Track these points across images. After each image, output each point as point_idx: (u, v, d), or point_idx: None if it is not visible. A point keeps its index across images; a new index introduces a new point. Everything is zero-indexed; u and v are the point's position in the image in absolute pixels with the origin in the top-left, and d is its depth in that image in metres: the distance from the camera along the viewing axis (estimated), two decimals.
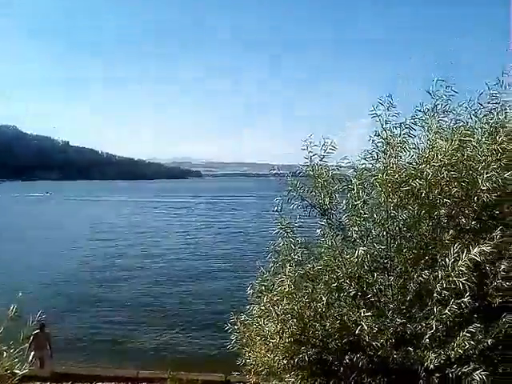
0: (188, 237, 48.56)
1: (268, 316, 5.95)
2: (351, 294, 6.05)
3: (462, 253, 4.85)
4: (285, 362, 6.03)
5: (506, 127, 5.58)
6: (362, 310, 5.71)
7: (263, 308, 5.98)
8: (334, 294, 6.20)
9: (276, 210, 6.44)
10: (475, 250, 4.76)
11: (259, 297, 6.14)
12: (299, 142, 6.32)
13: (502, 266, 5.10)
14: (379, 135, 6.13)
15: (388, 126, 6.05)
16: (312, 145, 6.26)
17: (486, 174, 5.27)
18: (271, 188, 6.66)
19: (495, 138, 5.50)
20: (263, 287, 6.15)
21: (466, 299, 4.92)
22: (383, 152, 6.07)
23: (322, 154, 6.22)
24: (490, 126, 5.81)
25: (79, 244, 42.64)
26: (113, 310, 22.16)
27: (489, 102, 5.96)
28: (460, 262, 4.81)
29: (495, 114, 5.88)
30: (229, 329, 6.89)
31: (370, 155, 6.21)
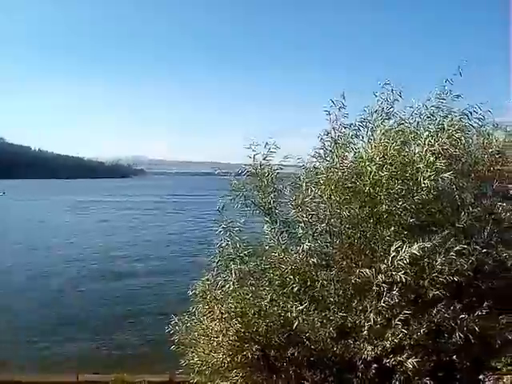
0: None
1: (211, 315, 5.87)
2: (295, 290, 6.14)
3: (401, 248, 5.09)
4: (228, 359, 5.99)
5: (449, 130, 5.89)
6: (304, 305, 5.85)
7: (207, 307, 5.90)
8: (278, 290, 6.26)
9: (219, 210, 6.37)
10: (415, 246, 5.02)
11: (202, 296, 6.04)
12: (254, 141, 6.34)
13: (439, 260, 5.41)
14: (328, 134, 6.30)
15: (337, 126, 6.24)
16: (255, 145, 6.29)
17: (427, 172, 5.55)
18: (216, 187, 6.56)
19: (437, 139, 5.81)
20: (207, 286, 6.06)
21: (395, 292, 5.16)
22: (330, 151, 6.22)
23: (266, 153, 6.25)
24: (433, 129, 6.11)
25: None
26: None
27: (433, 107, 6.26)
28: (399, 257, 5.05)
29: (438, 118, 6.18)
30: (172, 329, 6.72)
31: (317, 154, 6.34)
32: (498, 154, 6.39)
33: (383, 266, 5.26)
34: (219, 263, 6.11)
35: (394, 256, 5.13)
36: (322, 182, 5.90)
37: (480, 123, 6.11)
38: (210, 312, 5.92)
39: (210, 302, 5.89)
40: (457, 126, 5.45)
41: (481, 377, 6.32)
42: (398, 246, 5.14)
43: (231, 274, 5.81)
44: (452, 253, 5.37)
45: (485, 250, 6.11)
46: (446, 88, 5.95)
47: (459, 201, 6.60)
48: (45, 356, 16.21)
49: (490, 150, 6.45)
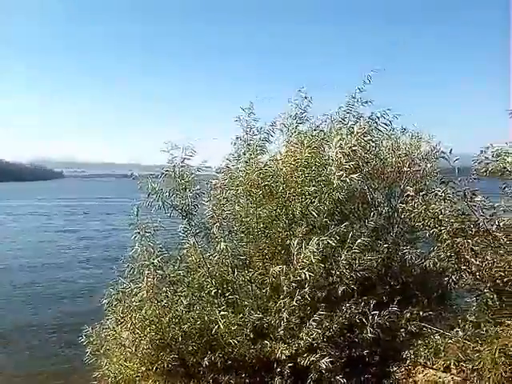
0: None
1: (124, 324, 5.65)
2: (212, 293, 6.09)
3: (306, 247, 5.22)
4: (143, 369, 5.80)
5: (357, 133, 6.13)
6: (221, 309, 5.82)
7: (119, 317, 5.66)
8: (195, 294, 6.18)
9: (136, 214, 6.18)
10: (313, 241, 5.16)
11: (115, 305, 5.80)
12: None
13: (343, 256, 5.59)
14: (240, 139, 6.40)
15: (250, 130, 6.35)
16: (174, 147, 6.20)
17: (338, 174, 5.74)
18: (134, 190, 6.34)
19: (347, 142, 6.03)
20: (119, 295, 5.83)
21: (306, 289, 5.27)
22: (244, 154, 6.29)
23: (184, 156, 6.19)
24: (344, 133, 6.34)
25: None
26: None
27: (344, 112, 6.51)
28: (303, 255, 5.17)
29: (348, 122, 6.43)
30: (85, 341, 6.38)
31: (233, 157, 6.40)
32: (405, 156, 6.76)
33: (293, 265, 5.36)
34: (131, 270, 5.90)
35: (298, 254, 5.25)
36: (237, 183, 5.94)
37: (387, 128, 6.42)
38: (123, 321, 5.69)
39: (123, 310, 5.66)
40: (364, 130, 5.69)
41: (392, 369, 6.59)
42: (300, 245, 5.27)
43: (144, 280, 5.62)
44: (355, 248, 5.57)
45: (391, 249, 6.44)
46: (357, 95, 6.22)
47: (371, 201, 6.93)
48: None
49: (398, 153, 6.82)
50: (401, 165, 6.69)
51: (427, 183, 6.61)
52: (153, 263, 5.77)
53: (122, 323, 5.71)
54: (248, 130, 6.42)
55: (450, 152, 4.90)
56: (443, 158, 4.85)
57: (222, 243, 5.76)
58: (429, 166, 6.55)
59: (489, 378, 4.69)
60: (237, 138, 6.49)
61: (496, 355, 4.63)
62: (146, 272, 5.67)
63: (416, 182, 6.62)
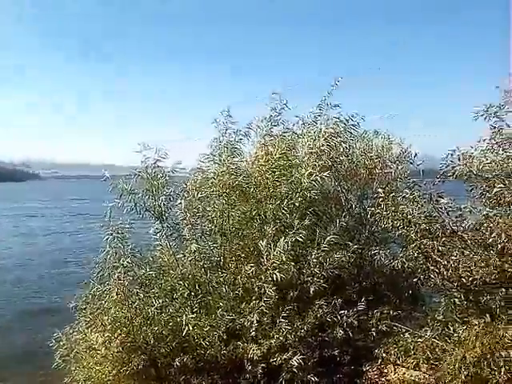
0: None
1: (94, 327, 5.57)
2: (185, 295, 6.06)
3: (275, 247, 5.25)
4: (114, 372, 5.72)
5: (325, 133, 6.20)
6: (194, 310, 5.81)
7: (89, 319, 5.58)
8: (168, 296, 6.14)
9: (107, 216, 6.10)
10: (282, 240, 5.20)
11: (84, 308, 5.71)
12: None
13: (313, 255, 5.65)
14: (217, 139, 6.40)
15: (227, 132, 6.37)
16: (147, 148, 6.17)
17: (308, 173, 5.80)
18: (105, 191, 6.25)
19: (315, 143, 6.10)
20: (89, 297, 5.74)
21: (272, 289, 5.29)
22: (219, 155, 6.29)
23: (157, 157, 6.16)
24: (314, 135, 6.41)
25: None
26: None
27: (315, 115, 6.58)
28: (273, 255, 5.20)
29: (318, 124, 6.50)
30: (54, 345, 6.26)
31: (208, 159, 6.39)
32: (377, 159, 6.86)
33: (264, 265, 5.38)
34: (101, 272, 5.82)
35: (268, 254, 5.29)
36: (210, 184, 5.94)
37: (356, 129, 6.52)
38: (92, 324, 5.61)
39: (93, 313, 5.58)
40: (332, 131, 5.78)
41: (365, 368, 6.67)
42: (269, 245, 5.30)
43: (114, 282, 5.55)
44: (325, 246, 5.62)
45: (363, 249, 6.53)
46: (326, 98, 6.31)
47: (344, 202, 7.01)
48: None
49: (370, 155, 6.91)
50: (373, 167, 6.79)
51: (398, 185, 6.71)
52: (122, 265, 5.70)
53: (91, 326, 5.62)
54: (224, 131, 6.44)
55: (415, 156, 5.02)
56: (408, 161, 4.95)
57: (194, 245, 5.74)
58: (400, 168, 6.64)
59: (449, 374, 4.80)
60: (214, 139, 6.48)
61: (457, 365, 4.74)
62: (116, 274, 5.60)
63: (387, 183, 6.71)
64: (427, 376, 5.81)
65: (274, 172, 6.00)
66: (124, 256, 5.79)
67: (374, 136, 7.18)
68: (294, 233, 5.47)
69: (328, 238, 5.71)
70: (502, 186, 4.69)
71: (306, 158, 5.82)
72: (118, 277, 5.53)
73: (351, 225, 6.73)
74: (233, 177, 5.90)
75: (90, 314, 5.62)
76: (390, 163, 6.73)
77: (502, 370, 4.57)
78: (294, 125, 6.60)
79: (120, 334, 5.54)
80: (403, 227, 5.30)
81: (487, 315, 5.05)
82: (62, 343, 6.21)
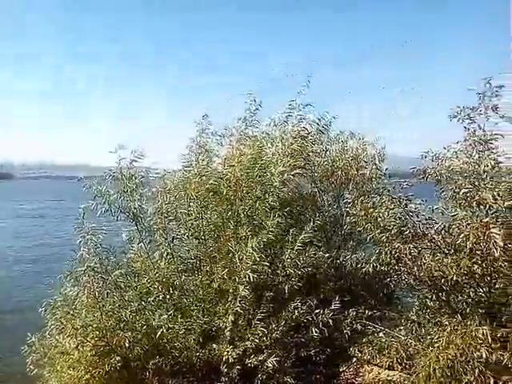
0: None
1: (65, 331, 5.49)
2: (159, 298, 6.02)
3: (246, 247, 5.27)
4: (87, 376, 5.66)
5: (295, 133, 6.23)
6: (169, 313, 5.79)
7: (60, 323, 5.50)
8: (144, 299, 6.10)
9: (81, 217, 6.02)
10: (254, 240, 5.21)
11: (54, 312, 5.63)
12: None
13: (287, 254, 5.67)
14: (194, 140, 6.39)
15: (203, 132, 6.36)
16: (122, 149, 6.11)
17: (279, 172, 5.81)
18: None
19: (286, 142, 6.13)
20: (61, 301, 5.66)
21: (245, 291, 5.30)
22: (196, 156, 6.28)
23: (132, 158, 6.10)
24: (286, 135, 6.44)
25: None
26: None
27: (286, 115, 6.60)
28: (245, 256, 5.21)
29: (289, 124, 6.53)
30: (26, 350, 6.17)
31: (184, 160, 6.37)
32: (352, 160, 6.91)
33: (237, 267, 5.39)
34: (70, 276, 5.74)
35: (240, 254, 5.30)
36: (182, 186, 5.92)
37: (327, 128, 6.55)
38: (64, 327, 5.53)
39: (63, 317, 5.51)
40: (301, 130, 5.81)
41: (341, 368, 6.72)
42: (241, 245, 5.32)
43: (84, 286, 5.49)
44: (298, 245, 5.64)
45: (340, 249, 6.58)
46: (297, 99, 6.33)
47: (321, 203, 7.06)
48: None
49: (346, 156, 6.97)
50: (348, 168, 6.84)
51: (374, 186, 6.76)
52: (94, 268, 5.64)
53: (63, 330, 5.54)
54: (200, 132, 6.43)
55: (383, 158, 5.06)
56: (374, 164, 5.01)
57: (167, 249, 5.72)
58: (374, 168, 6.68)
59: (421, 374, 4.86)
60: (190, 139, 6.48)
61: (431, 367, 4.79)
62: (85, 277, 5.55)
63: (363, 184, 6.77)
64: (401, 375, 5.88)
65: (247, 173, 5.98)
66: (96, 258, 5.72)
67: (349, 137, 7.23)
68: (267, 233, 5.47)
69: (301, 237, 5.72)
70: (470, 186, 4.74)
71: (276, 158, 5.84)
72: (87, 280, 5.47)
73: (327, 225, 6.77)
74: (205, 178, 5.86)
75: (61, 317, 5.52)
76: (364, 164, 6.78)
77: (476, 370, 4.65)
78: (267, 125, 6.59)
79: (93, 338, 5.47)
80: (375, 230, 5.33)
81: (458, 315, 5.13)
82: (34, 348, 6.12)
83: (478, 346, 4.60)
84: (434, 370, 4.82)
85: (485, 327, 4.61)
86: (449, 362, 4.74)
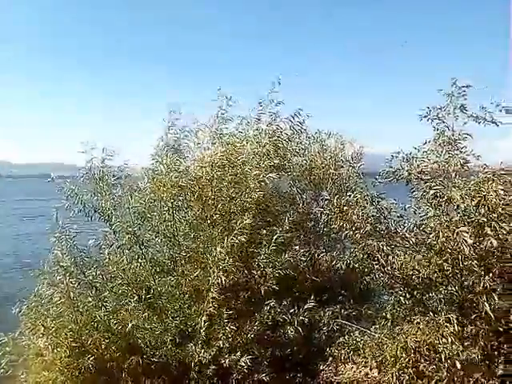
0: None
1: (38, 330, 5.46)
2: (135, 299, 6.00)
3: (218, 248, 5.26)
4: (62, 377, 5.63)
5: (270, 133, 6.20)
6: (144, 314, 5.78)
7: (32, 323, 5.47)
8: (119, 300, 6.08)
9: (55, 218, 5.99)
10: (227, 241, 5.20)
11: (28, 313, 5.59)
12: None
13: (262, 255, 5.68)
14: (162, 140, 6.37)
15: (171, 130, 6.31)
16: (93, 147, 6.09)
17: (254, 173, 5.78)
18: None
19: (261, 142, 6.10)
20: (34, 302, 5.63)
21: (214, 293, 5.29)
22: (165, 155, 6.23)
23: (104, 156, 6.07)
24: (261, 134, 6.38)
25: None
26: None
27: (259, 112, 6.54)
28: (217, 257, 5.21)
29: (263, 123, 6.46)
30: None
31: (154, 158, 6.33)
32: (330, 159, 6.92)
33: (211, 268, 5.38)
34: (43, 276, 5.71)
35: (213, 256, 5.30)
36: (158, 185, 5.88)
37: (301, 126, 6.51)
38: (37, 328, 5.50)
39: (37, 317, 5.47)
40: (274, 128, 5.79)
41: (319, 367, 6.73)
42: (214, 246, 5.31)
43: (57, 286, 5.47)
44: (274, 244, 5.66)
45: (319, 248, 6.60)
46: (270, 95, 6.23)
47: (299, 202, 7.06)
48: None
49: (324, 155, 6.97)
50: (326, 167, 6.84)
51: (351, 185, 6.77)
52: (66, 269, 5.62)
53: (36, 330, 5.51)
54: (167, 129, 6.37)
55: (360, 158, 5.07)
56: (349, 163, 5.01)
57: (140, 251, 5.71)
58: (351, 168, 6.69)
59: (391, 372, 4.89)
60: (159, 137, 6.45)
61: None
62: (59, 277, 5.53)
63: (340, 183, 6.79)
64: (376, 373, 5.91)
65: (220, 173, 5.93)
66: (70, 258, 5.70)
67: (327, 137, 7.22)
68: (241, 233, 5.45)
69: (275, 237, 5.70)
70: (438, 186, 4.78)
71: (250, 158, 5.81)
72: (60, 280, 5.44)
73: (306, 224, 6.77)
74: (175, 178, 5.81)
75: (34, 318, 5.49)
76: (342, 163, 6.79)
77: (446, 364, 4.69)
78: (239, 123, 6.51)
79: (66, 338, 5.45)
80: (349, 228, 5.34)
81: (431, 313, 5.16)
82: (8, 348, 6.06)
83: (447, 343, 4.64)
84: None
85: (455, 324, 4.65)
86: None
